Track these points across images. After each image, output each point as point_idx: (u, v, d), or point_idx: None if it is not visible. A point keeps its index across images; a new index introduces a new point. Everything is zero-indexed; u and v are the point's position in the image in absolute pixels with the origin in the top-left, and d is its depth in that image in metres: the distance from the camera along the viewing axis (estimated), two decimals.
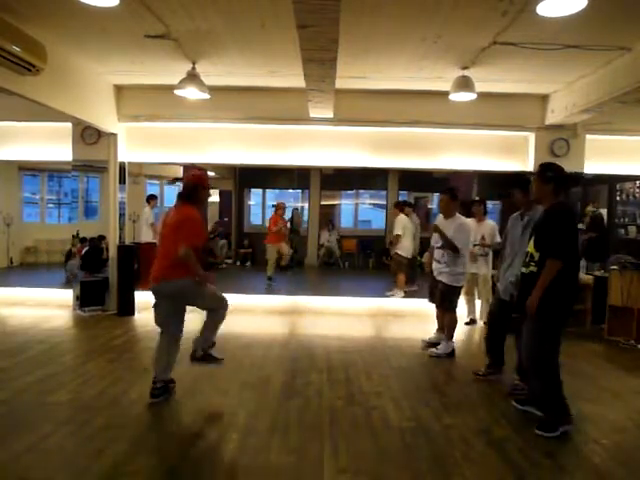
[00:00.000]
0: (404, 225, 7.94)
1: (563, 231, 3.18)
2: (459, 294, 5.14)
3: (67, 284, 7.67)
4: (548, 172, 3.35)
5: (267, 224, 9.15)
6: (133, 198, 8.10)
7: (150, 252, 8.19)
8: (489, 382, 4.22)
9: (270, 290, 8.34)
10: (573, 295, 3.37)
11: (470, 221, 5.96)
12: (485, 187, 10.11)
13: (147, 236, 8.31)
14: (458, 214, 5.03)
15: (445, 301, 5.00)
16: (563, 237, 3.16)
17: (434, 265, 5.11)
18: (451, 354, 4.92)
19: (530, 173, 6.52)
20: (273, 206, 9.66)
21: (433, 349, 4.99)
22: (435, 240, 5.10)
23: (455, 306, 5.06)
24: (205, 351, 3.71)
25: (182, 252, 3.38)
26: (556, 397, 3.23)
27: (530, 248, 3.33)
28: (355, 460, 2.84)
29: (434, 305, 5.23)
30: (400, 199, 11.96)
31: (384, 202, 13.31)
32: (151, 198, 9.07)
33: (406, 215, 8.24)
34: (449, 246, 4.84)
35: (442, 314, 5.15)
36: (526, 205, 4.01)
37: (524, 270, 3.37)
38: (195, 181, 3.65)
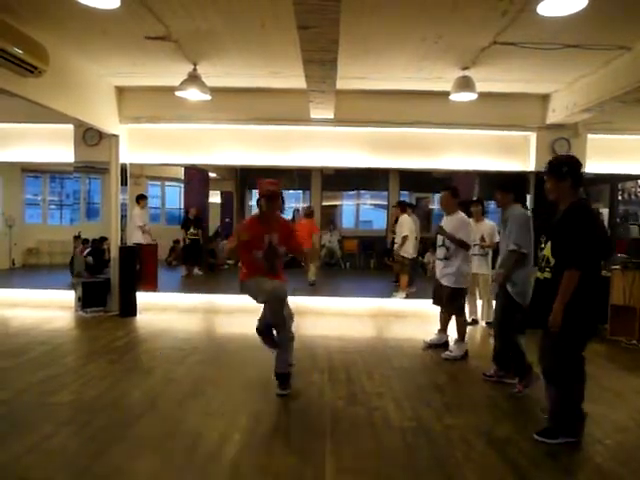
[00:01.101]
0: (410, 226, 7.93)
1: (581, 235, 2.86)
2: (465, 295, 5.12)
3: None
4: (563, 167, 3.01)
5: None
6: (135, 199, 8.12)
7: (152, 254, 8.29)
8: (491, 383, 4.21)
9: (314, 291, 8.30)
10: (594, 307, 3.07)
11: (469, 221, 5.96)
12: (486, 187, 10.10)
13: (136, 238, 8.21)
14: (459, 211, 5.04)
15: (453, 304, 4.94)
16: (581, 243, 2.85)
17: (436, 265, 5.09)
18: (464, 356, 4.88)
19: (535, 172, 6.52)
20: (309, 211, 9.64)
21: (447, 352, 4.93)
22: (439, 239, 5.06)
23: (463, 308, 5.06)
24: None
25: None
26: (568, 408, 3.04)
27: (547, 252, 3.07)
28: (356, 460, 2.84)
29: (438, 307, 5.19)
30: (401, 199, 11.95)
31: (385, 202, 13.32)
32: (140, 198, 8.78)
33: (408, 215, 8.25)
34: (459, 244, 4.85)
35: (449, 317, 5.11)
36: (503, 205, 4.18)
37: (539, 275, 3.14)
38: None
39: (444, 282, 4.94)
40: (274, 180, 3.83)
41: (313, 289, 8.42)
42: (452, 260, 4.89)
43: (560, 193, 3.02)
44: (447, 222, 5.02)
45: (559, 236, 2.98)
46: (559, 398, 3.05)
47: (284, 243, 3.83)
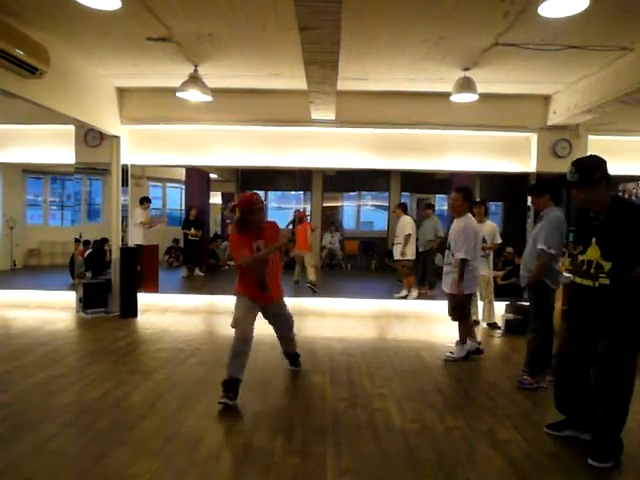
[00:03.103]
0: (412, 226, 7.92)
1: None
2: (469, 302, 5.03)
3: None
4: (595, 173, 2.75)
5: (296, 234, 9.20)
6: (136, 200, 8.12)
7: (152, 255, 8.28)
8: (492, 383, 4.21)
9: (314, 294, 8.29)
10: None
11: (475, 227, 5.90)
12: (487, 188, 10.11)
13: (137, 238, 8.19)
14: (469, 215, 4.92)
15: (456, 311, 4.86)
16: None
17: (444, 270, 4.96)
18: (466, 357, 4.86)
19: (536, 173, 6.52)
20: (306, 216, 9.75)
21: (448, 353, 4.91)
22: (448, 240, 4.95)
23: (468, 314, 5.01)
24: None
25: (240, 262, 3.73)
26: (619, 429, 2.84)
27: (593, 256, 2.79)
28: (358, 462, 2.84)
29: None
30: (402, 201, 11.95)
31: (386, 203, 13.30)
32: (145, 200, 9.00)
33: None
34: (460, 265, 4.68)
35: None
36: (540, 207, 4.20)
37: (588, 283, 2.83)
38: (240, 210, 3.72)
39: (446, 289, 4.85)
40: (252, 193, 3.79)
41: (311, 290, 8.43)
42: (456, 264, 4.74)
43: (597, 199, 2.80)
44: (453, 225, 4.89)
45: (619, 236, 2.72)
46: (615, 418, 2.83)
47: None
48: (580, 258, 2.90)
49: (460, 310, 4.87)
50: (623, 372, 2.80)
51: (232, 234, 3.93)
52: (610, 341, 2.80)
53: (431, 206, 8.98)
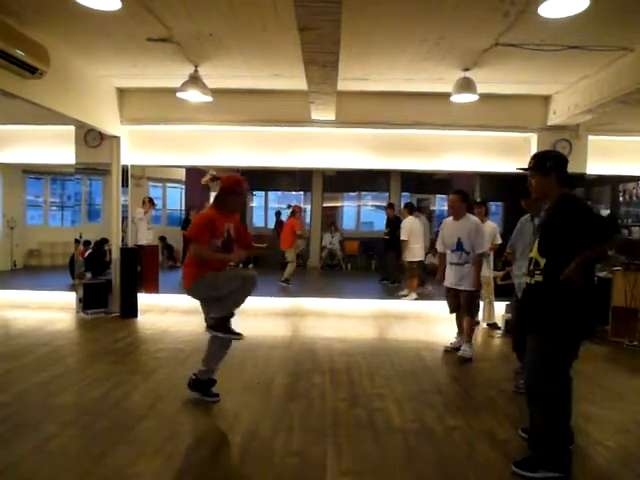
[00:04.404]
0: (409, 230, 7.89)
1: (589, 215, 2.65)
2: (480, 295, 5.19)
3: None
4: (547, 162, 2.79)
5: (283, 228, 9.38)
6: (136, 201, 8.12)
7: (153, 255, 8.28)
8: (492, 384, 4.21)
9: (287, 292, 8.37)
10: (589, 307, 2.70)
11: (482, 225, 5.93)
12: (487, 188, 10.11)
13: (142, 238, 8.20)
14: (469, 214, 5.02)
15: (473, 307, 4.99)
16: (595, 219, 2.64)
17: (450, 270, 4.99)
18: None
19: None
20: (289, 209, 9.96)
21: (462, 352, 4.93)
22: (450, 242, 4.98)
23: (478, 311, 5.19)
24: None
25: (191, 249, 3.46)
26: (554, 436, 2.64)
27: (534, 254, 2.75)
28: (358, 462, 2.84)
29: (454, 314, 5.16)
30: (405, 201, 11.95)
31: (386, 204, 13.30)
32: (146, 201, 9.03)
33: (416, 218, 8.32)
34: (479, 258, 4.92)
35: (462, 318, 5.05)
36: (533, 209, 4.14)
37: (528, 280, 2.80)
38: (224, 186, 3.57)
39: (464, 287, 4.89)
40: (241, 175, 3.72)
41: (290, 290, 8.54)
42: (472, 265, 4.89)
43: (545, 189, 2.80)
44: (456, 226, 4.95)
45: (553, 231, 2.69)
46: (545, 423, 2.67)
47: (235, 235, 3.67)
48: (529, 256, 2.88)
49: (476, 306, 5.05)
50: (550, 373, 2.65)
51: (208, 209, 3.61)
52: (537, 339, 2.70)
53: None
